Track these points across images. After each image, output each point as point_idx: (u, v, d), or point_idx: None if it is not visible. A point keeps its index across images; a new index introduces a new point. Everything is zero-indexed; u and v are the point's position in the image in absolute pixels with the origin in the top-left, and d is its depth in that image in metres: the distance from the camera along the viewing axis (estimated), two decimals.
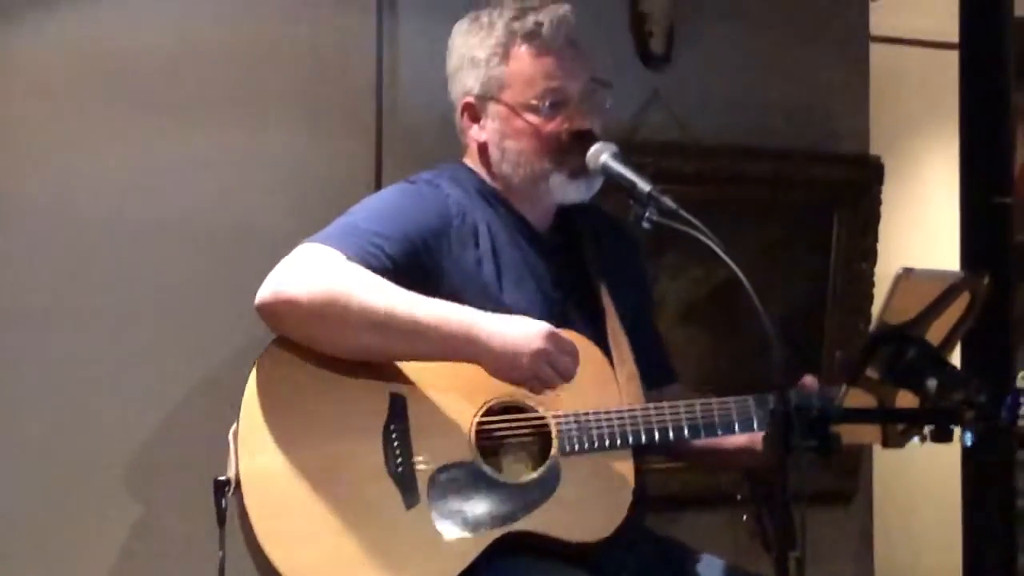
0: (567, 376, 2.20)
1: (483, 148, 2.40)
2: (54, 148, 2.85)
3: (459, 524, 2.18)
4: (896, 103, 3.92)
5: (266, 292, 2.17)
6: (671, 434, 2.30)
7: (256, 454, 2.14)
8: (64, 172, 2.86)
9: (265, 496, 2.13)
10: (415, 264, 2.24)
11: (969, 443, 1.97)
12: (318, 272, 2.16)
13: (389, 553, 2.13)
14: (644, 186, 2.23)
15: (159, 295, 2.90)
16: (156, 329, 2.90)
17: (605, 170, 2.31)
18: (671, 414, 2.31)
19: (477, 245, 2.32)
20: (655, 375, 2.48)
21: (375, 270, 2.18)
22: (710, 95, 3.32)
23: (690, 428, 2.32)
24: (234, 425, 2.17)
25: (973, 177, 3.04)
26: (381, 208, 2.30)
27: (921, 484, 3.94)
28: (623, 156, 2.31)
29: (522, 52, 2.36)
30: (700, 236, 2.11)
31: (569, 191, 2.39)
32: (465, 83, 2.39)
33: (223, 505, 2.16)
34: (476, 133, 2.40)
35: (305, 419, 2.17)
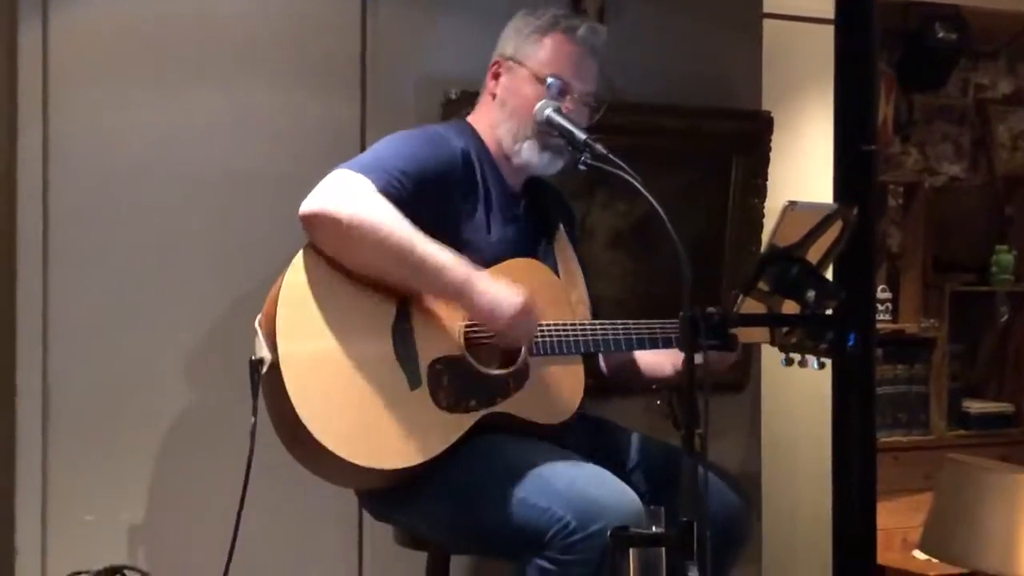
0: (525, 342, 2.22)
1: (491, 99, 2.41)
2: (100, 105, 2.80)
3: (452, 404, 2.20)
4: (784, 68, 3.91)
5: (314, 205, 2.13)
6: (612, 346, 2.34)
7: (294, 340, 2.12)
8: (107, 126, 2.81)
9: (301, 376, 2.11)
10: (427, 199, 2.23)
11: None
12: (357, 198, 2.12)
13: (398, 424, 2.14)
14: (580, 135, 2.23)
15: (188, 230, 2.86)
16: (190, 259, 2.87)
17: (549, 121, 2.31)
18: (616, 330, 2.33)
19: (475, 191, 2.31)
20: None
21: (395, 200, 2.16)
22: (635, 62, 3.29)
23: (627, 342, 2.34)
24: (259, 316, 2.17)
25: (844, 128, 3.04)
26: (403, 149, 2.26)
27: (799, 376, 3.97)
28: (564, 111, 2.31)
29: (556, 37, 2.36)
30: (626, 176, 2.12)
31: (534, 159, 2.38)
32: (504, 47, 2.40)
33: (256, 380, 2.15)
34: (492, 86, 2.40)
35: (333, 314, 2.16)
